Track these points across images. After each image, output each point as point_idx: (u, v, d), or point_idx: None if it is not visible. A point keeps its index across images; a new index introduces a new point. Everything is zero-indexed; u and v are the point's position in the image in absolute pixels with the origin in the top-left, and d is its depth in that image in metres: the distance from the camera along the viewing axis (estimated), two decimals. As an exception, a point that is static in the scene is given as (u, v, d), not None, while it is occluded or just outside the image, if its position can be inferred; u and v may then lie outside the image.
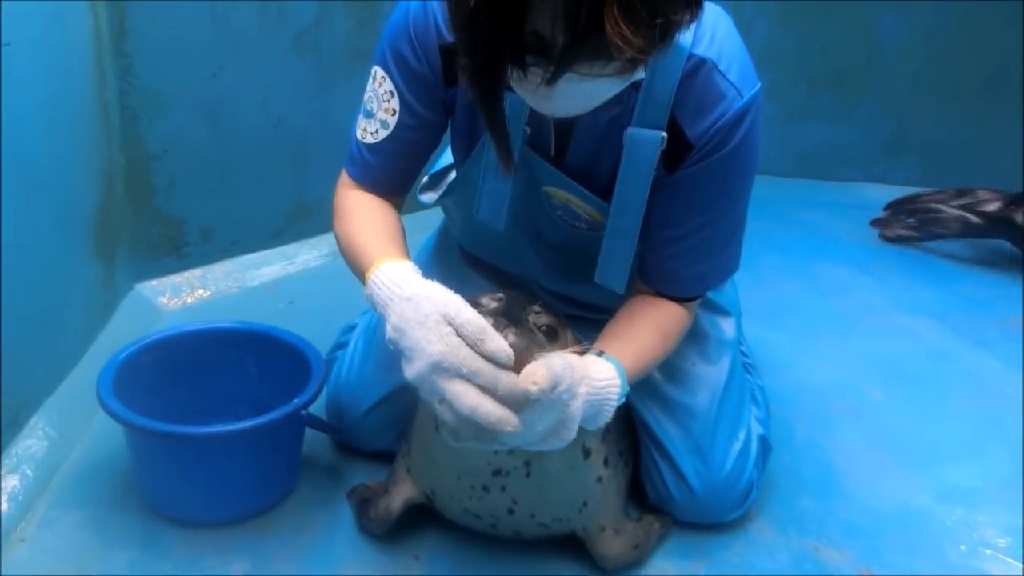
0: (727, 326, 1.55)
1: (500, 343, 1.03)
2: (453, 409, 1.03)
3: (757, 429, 1.52)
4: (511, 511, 1.28)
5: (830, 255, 2.57)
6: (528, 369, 1.02)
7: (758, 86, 1.23)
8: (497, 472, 1.23)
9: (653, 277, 1.34)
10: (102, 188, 1.81)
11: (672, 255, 1.31)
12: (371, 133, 1.34)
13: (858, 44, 2.96)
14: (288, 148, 2.17)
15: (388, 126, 1.32)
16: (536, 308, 1.17)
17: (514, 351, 1.04)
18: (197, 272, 2.09)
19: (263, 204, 2.19)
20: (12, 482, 1.42)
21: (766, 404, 1.63)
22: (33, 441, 1.51)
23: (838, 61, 2.98)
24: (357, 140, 1.36)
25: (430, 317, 1.05)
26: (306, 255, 2.28)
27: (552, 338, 1.15)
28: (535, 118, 1.26)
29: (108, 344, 1.72)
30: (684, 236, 1.29)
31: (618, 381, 1.15)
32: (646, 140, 1.22)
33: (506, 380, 1.03)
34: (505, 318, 1.09)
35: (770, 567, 1.43)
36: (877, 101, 3.02)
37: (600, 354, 1.18)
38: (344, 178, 1.41)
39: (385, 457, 1.53)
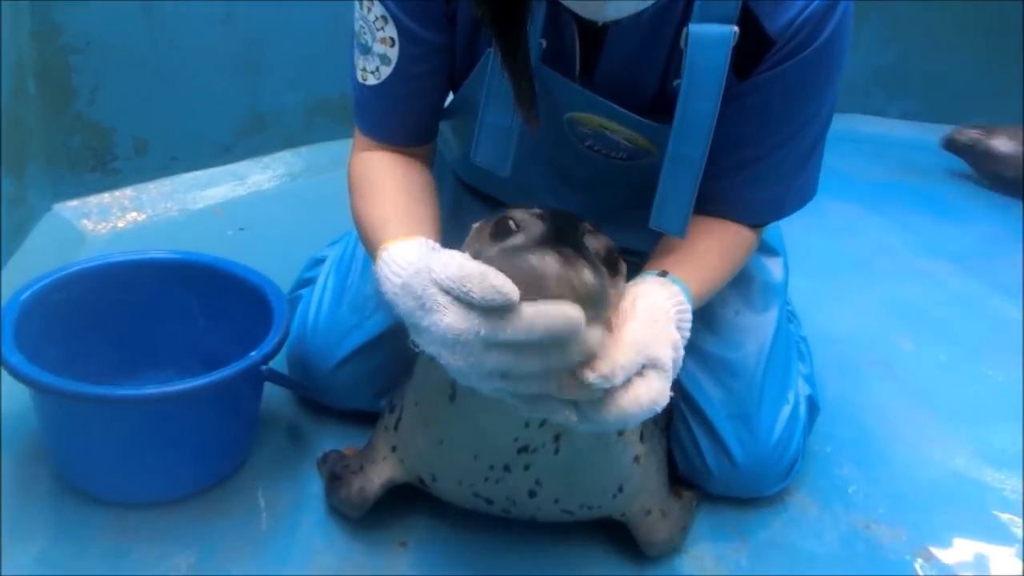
0: (775, 268, 1.31)
1: (487, 283, 0.77)
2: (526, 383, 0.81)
3: (805, 389, 1.30)
4: (532, 493, 1.03)
5: (834, 191, 2.35)
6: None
7: None
8: (523, 449, 0.98)
9: (716, 205, 1.08)
10: (8, 85, 1.48)
11: (743, 181, 1.06)
12: (372, 72, 1.08)
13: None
14: (239, 48, 1.86)
15: (389, 61, 1.06)
16: (587, 225, 0.89)
17: (590, 293, 0.79)
18: (129, 191, 1.78)
19: (209, 114, 1.88)
20: None
21: (811, 359, 1.41)
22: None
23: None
24: (359, 83, 1.10)
25: (426, 293, 0.82)
26: (258, 175, 1.98)
27: (613, 269, 0.88)
28: (552, 28, 1.00)
29: (16, 276, 1.42)
30: (758, 157, 1.05)
31: (688, 307, 0.92)
32: (713, 38, 0.95)
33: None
34: (559, 243, 0.81)
35: (818, 548, 1.23)
36: (877, 30, 2.81)
37: (663, 275, 0.95)
38: (356, 138, 1.15)
39: (360, 418, 1.28)
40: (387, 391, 1.23)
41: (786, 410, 1.23)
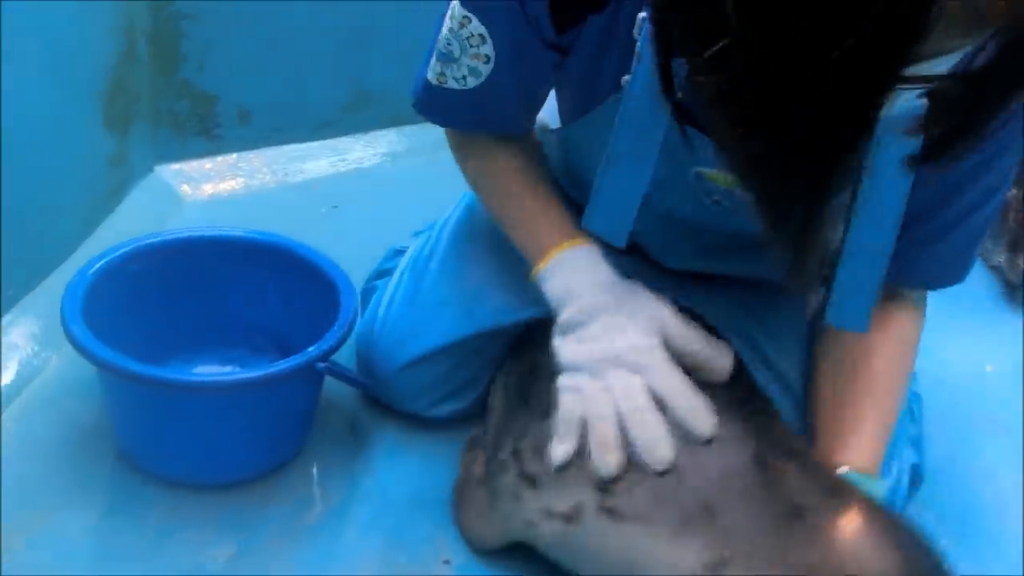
0: None
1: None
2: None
3: (911, 456, 1.17)
4: None
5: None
6: None
7: None
8: None
9: (893, 273, 0.95)
10: (120, 47, 1.49)
11: (931, 251, 0.95)
12: (454, 79, 0.99)
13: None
14: (350, 22, 1.82)
15: (480, 75, 0.97)
16: None
17: None
18: (230, 158, 1.77)
19: (314, 87, 1.85)
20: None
21: (922, 418, 1.26)
22: (3, 342, 1.24)
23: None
24: (428, 83, 1.02)
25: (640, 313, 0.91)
26: (360, 152, 1.95)
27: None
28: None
29: (113, 234, 1.43)
30: (952, 221, 0.93)
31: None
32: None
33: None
34: None
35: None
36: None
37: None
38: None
39: (424, 421, 1.24)
40: (449, 400, 1.18)
41: (885, 485, 1.10)
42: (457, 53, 0.97)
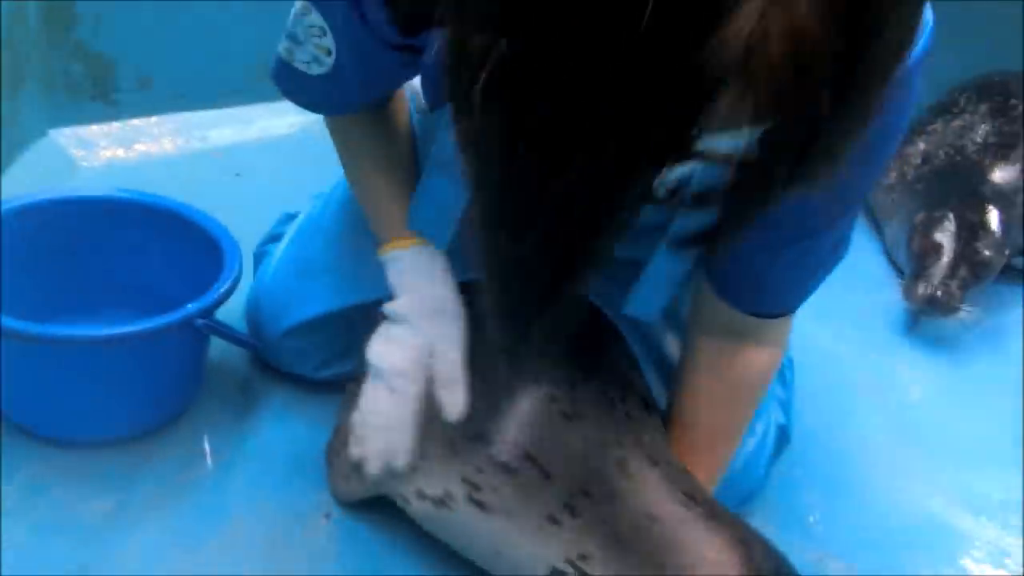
0: None
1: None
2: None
3: (778, 416, 1.22)
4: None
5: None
6: None
7: (927, 35, 0.79)
8: None
9: (731, 289, 0.97)
10: (7, 8, 1.46)
11: (769, 263, 0.93)
12: (302, 62, 0.97)
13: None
14: (256, -14, 1.81)
15: (324, 64, 0.95)
16: None
17: None
18: (128, 125, 1.76)
19: (220, 52, 1.83)
20: None
21: (793, 383, 1.32)
22: None
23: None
24: (280, 58, 1.00)
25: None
26: (267, 121, 1.94)
27: None
28: None
29: (2, 197, 1.41)
30: (792, 240, 0.91)
31: None
32: None
33: None
34: None
35: (762, 578, 1.17)
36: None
37: None
38: None
39: (312, 383, 1.25)
40: (334, 363, 1.20)
41: (751, 443, 1.16)
42: (301, 38, 0.95)
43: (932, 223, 1.76)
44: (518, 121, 0.50)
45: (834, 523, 1.28)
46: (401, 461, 0.98)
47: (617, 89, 0.47)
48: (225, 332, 1.13)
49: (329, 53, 0.93)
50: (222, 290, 1.10)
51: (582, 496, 0.93)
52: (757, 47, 0.45)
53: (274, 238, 1.34)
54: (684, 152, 0.50)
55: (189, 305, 1.06)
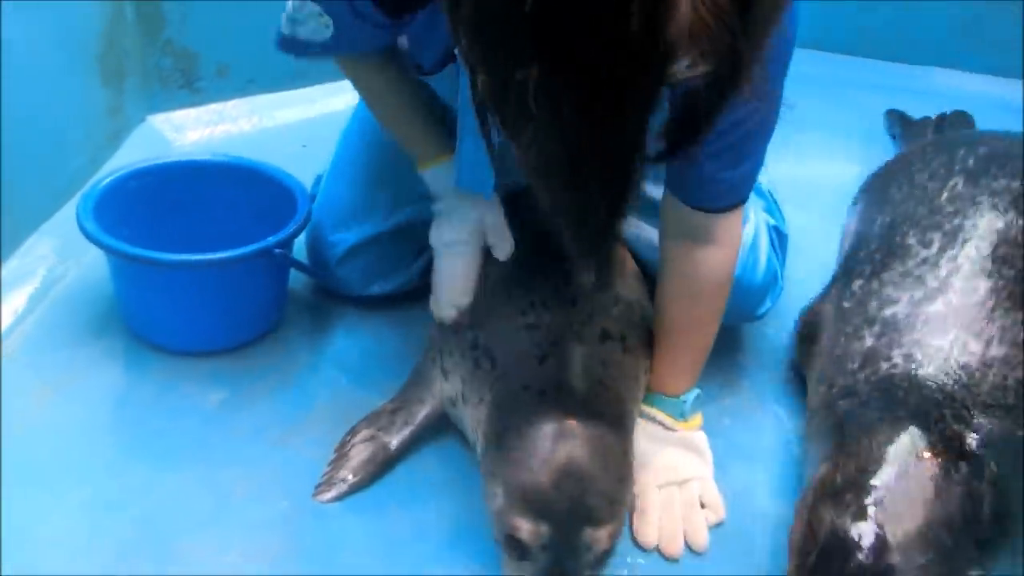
0: None
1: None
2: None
3: (765, 218, 1.43)
4: None
5: (881, 140, 2.41)
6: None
7: None
8: None
9: (688, 189, 1.18)
10: (109, 12, 1.77)
11: (718, 167, 1.14)
12: (304, 36, 1.17)
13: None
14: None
15: (325, 33, 1.15)
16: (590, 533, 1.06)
17: None
18: (210, 109, 2.06)
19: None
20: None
21: (777, 204, 1.52)
22: (28, 261, 1.54)
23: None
24: (283, 35, 1.20)
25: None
26: (327, 100, 2.21)
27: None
28: None
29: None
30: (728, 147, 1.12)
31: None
32: None
33: None
34: None
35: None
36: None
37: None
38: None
39: (368, 303, 1.53)
40: (375, 282, 1.49)
41: (748, 233, 1.35)
42: (301, 20, 1.16)
43: None
44: (560, 111, 0.74)
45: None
46: (466, 301, 1.26)
47: (619, 66, 0.72)
48: (296, 262, 1.42)
49: (328, 26, 1.15)
50: (294, 227, 1.38)
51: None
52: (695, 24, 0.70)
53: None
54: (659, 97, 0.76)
55: (270, 238, 1.34)
